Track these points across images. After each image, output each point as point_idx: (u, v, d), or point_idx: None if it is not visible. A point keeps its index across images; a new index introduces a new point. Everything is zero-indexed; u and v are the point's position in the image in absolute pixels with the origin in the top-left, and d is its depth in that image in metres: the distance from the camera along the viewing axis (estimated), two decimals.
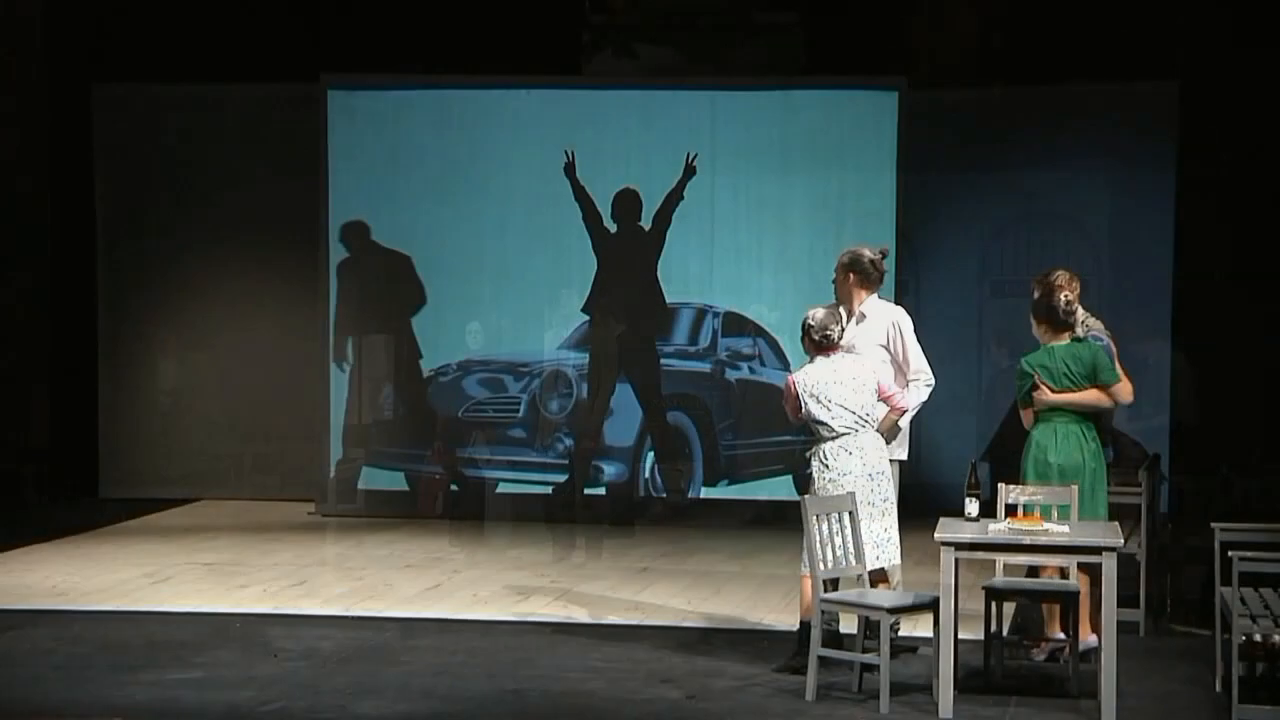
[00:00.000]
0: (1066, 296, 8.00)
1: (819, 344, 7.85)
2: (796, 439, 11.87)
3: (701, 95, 12.16)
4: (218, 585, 9.69)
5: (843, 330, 7.91)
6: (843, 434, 7.77)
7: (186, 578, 9.95)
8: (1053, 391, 7.91)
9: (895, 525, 7.83)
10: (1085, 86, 12.07)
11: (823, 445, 7.80)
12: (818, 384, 7.79)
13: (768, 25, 12.45)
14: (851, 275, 8.14)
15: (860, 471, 7.73)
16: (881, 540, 7.74)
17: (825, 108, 12.03)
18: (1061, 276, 8.38)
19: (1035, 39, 12.06)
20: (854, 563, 7.53)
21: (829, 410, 7.77)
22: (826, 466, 7.77)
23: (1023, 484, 7.84)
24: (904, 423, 8.08)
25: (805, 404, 7.79)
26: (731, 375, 12.16)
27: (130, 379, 12.73)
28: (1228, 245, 9.01)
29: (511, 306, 12.34)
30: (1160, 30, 11.02)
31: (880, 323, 8.11)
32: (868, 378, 7.83)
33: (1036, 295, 8.17)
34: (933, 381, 8.16)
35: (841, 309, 8.19)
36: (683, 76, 12.41)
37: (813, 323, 7.85)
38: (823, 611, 7.43)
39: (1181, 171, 9.47)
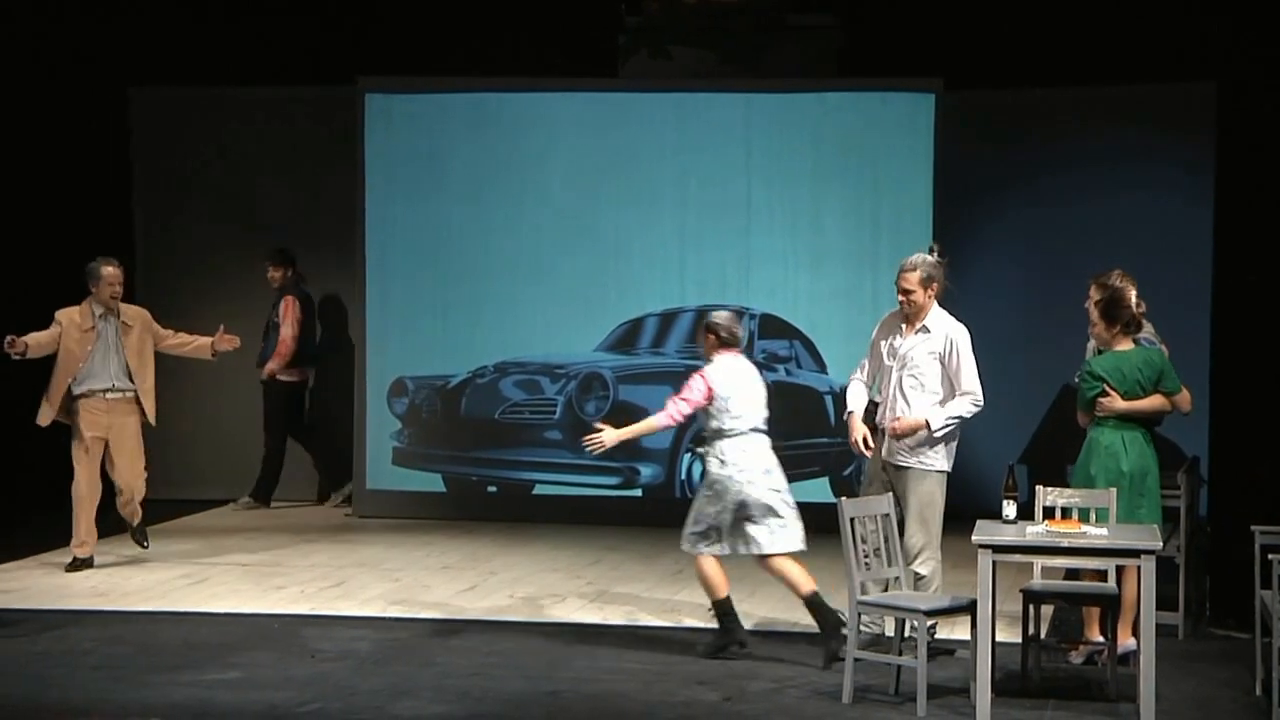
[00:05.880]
0: (1135, 298, 7.93)
1: (725, 342, 8.17)
2: (833, 442, 11.86)
3: (737, 98, 12.14)
4: (255, 586, 9.75)
5: (746, 331, 8.07)
6: (744, 432, 8.04)
7: (224, 579, 10.01)
8: (1121, 399, 7.87)
9: (794, 513, 8.08)
10: (1123, 87, 12.01)
11: (720, 442, 8.04)
12: (731, 382, 8.07)
13: (803, 27, 12.43)
14: (935, 285, 8.13)
15: (758, 467, 8.01)
16: (776, 527, 8.00)
17: (861, 110, 11.99)
18: (1126, 277, 8.31)
19: (1072, 40, 11.99)
20: (889, 565, 7.54)
21: (740, 407, 8.04)
22: (724, 463, 8.00)
23: (1087, 488, 7.80)
24: (936, 423, 8.04)
25: (723, 399, 8.02)
26: (768, 378, 12.07)
27: (168, 380, 12.75)
28: (1267, 246, 8.95)
29: (547, 308, 12.35)
30: (1198, 30, 10.96)
31: (939, 341, 8.10)
32: (761, 380, 8.25)
33: (1099, 297, 8.06)
34: (981, 403, 8.13)
35: (902, 322, 8.16)
36: (718, 79, 12.39)
37: (720, 321, 8.20)
38: (862, 614, 7.46)
39: (1220, 172, 9.42)
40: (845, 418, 8.38)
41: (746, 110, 12.12)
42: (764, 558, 8.05)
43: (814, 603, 8.00)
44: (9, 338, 9.64)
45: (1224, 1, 9.32)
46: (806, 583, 8.03)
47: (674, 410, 8.13)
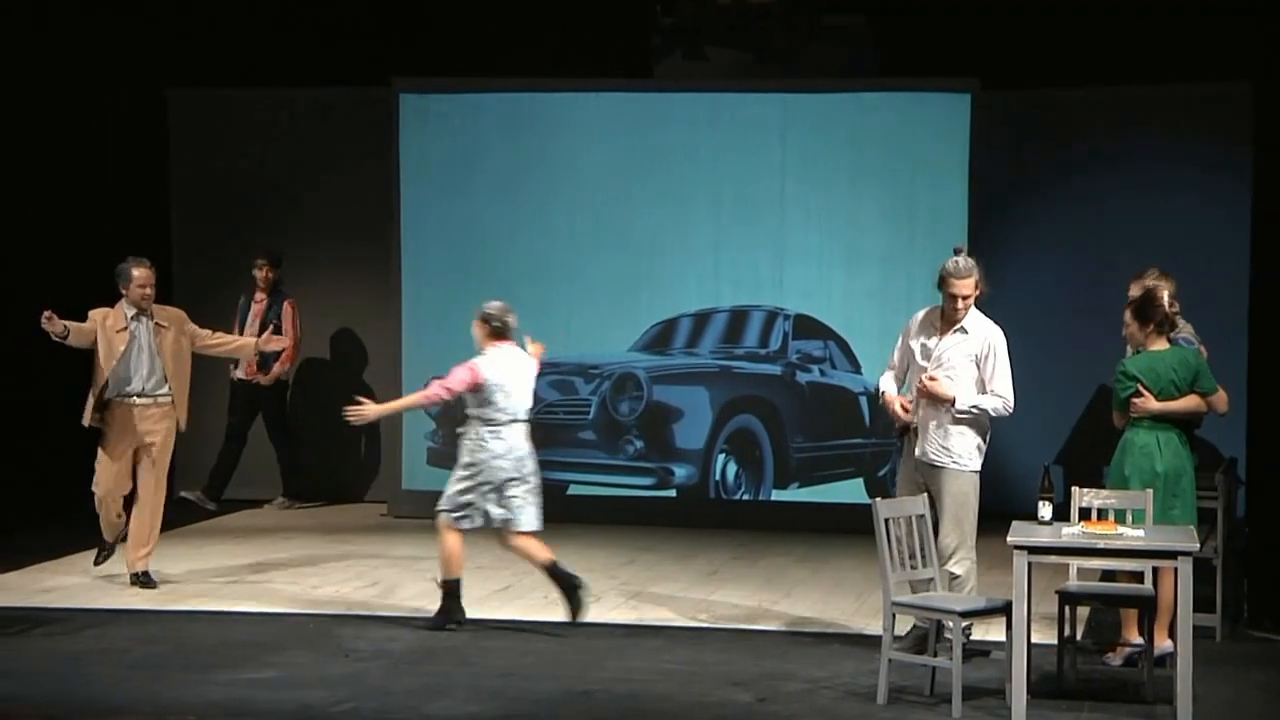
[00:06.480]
0: (1169, 298, 7.91)
1: (497, 332, 8.60)
2: (868, 442, 11.85)
3: (772, 98, 12.13)
4: (291, 586, 9.79)
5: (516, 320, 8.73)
6: (505, 422, 8.50)
7: (260, 578, 10.06)
8: (1156, 399, 7.85)
9: (538, 498, 8.69)
10: (1159, 87, 11.98)
11: (481, 428, 8.51)
12: (499, 373, 8.50)
13: (838, 28, 12.43)
14: (980, 288, 8.13)
15: (512, 455, 8.56)
16: (518, 507, 8.60)
17: (897, 110, 11.97)
18: (1163, 276, 8.27)
19: (1108, 40, 11.94)
20: (924, 566, 7.54)
21: (508, 397, 8.49)
22: (484, 448, 8.53)
23: (1121, 489, 7.78)
24: (962, 403, 8.03)
25: (491, 390, 8.44)
26: (802, 378, 12.15)
27: (205, 380, 12.81)
28: None
29: (581, 308, 12.37)
30: (1235, 30, 10.91)
31: (977, 341, 8.10)
32: (532, 371, 8.72)
33: (1137, 295, 8.06)
34: (1011, 408, 8.12)
35: (937, 322, 8.16)
36: (753, 79, 12.39)
37: (492, 311, 8.64)
38: (895, 615, 7.45)
39: (1257, 171, 9.39)
40: (880, 398, 8.37)
41: (782, 110, 12.10)
42: (511, 532, 8.67)
43: (553, 571, 8.64)
44: (47, 313, 9.24)
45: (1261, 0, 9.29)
46: (545, 553, 8.65)
47: (434, 392, 8.63)
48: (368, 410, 8.75)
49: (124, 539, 9.70)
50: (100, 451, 9.60)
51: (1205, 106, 11.88)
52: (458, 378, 8.55)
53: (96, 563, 9.88)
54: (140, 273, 9.58)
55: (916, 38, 12.31)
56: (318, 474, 13.23)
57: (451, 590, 8.66)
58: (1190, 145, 11.91)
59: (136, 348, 9.53)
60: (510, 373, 8.61)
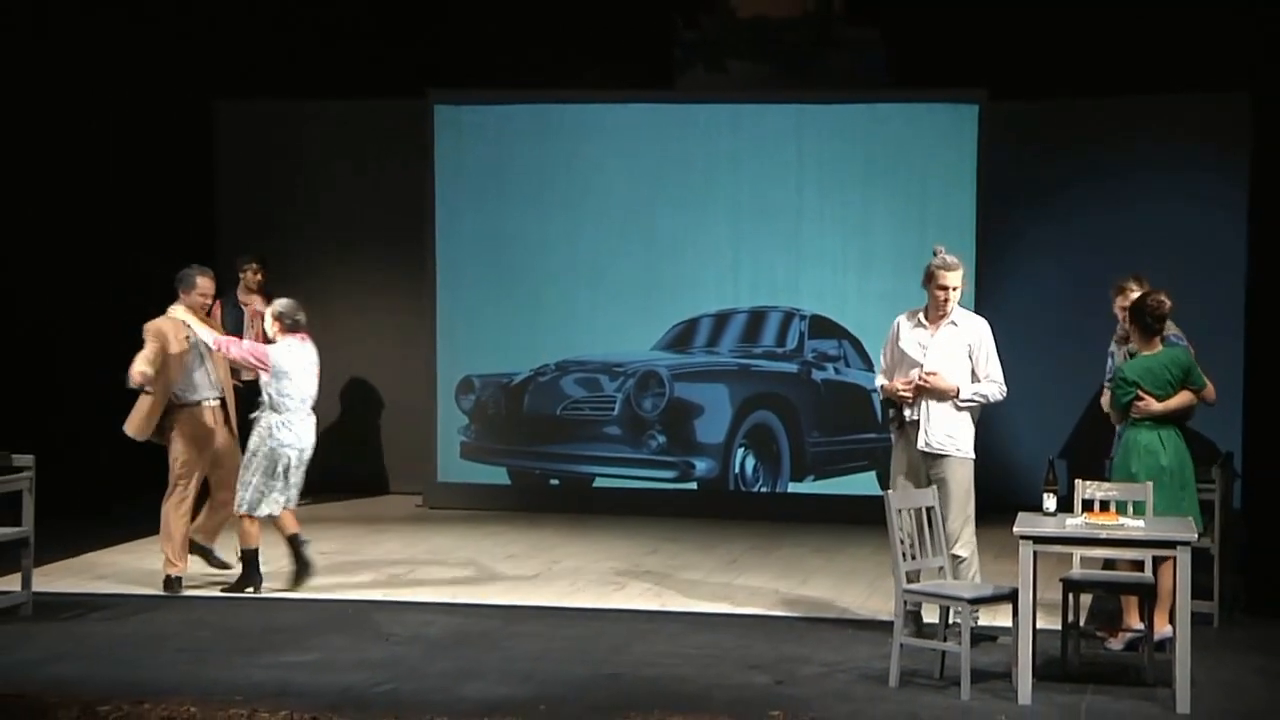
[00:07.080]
0: (1159, 299, 8.12)
1: (290, 327, 9.17)
2: (880, 437, 12.06)
3: (789, 109, 12.29)
4: (332, 573, 9.90)
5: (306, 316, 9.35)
6: (293, 410, 9.18)
7: None
8: (1156, 400, 8.09)
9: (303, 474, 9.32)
10: (1161, 97, 12.04)
11: (275, 416, 9.07)
12: (288, 361, 9.09)
13: (852, 40, 12.60)
14: (963, 281, 8.46)
15: (296, 444, 9.17)
16: (294, 485, 9.28)
17: (908, 120, 12.12)
18: (1143, 280, 8.53)
19: (1111, 52, 12.02)
20: (933, 555, 7.74)
21: (294, 384, 9.07)
22: (271, 435, 9.14)
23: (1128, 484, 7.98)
24: (965, 393, 8.33)
25: (279, 375, 9.05)
26: (818, 376, 12.36)
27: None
28: None
29: (606, 309, 12.54)
30: (1233, 41, 11.07)
31: (971, 331, 8.41)
32: (316, 361, 9.29)
33: (1123, 302, 8.34)
34: (1006, 391, 8.44)
35: (923, 319, 8.47)
36: (771, 91, 12.57)
37: (283, 309, 9.22)
38: (906, 602, 7.65)
39: (1254, 179, 9.61)
40: (880, 391, 8.64)
41: (798, 120, 12.26)
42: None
43: (294, 541, 9.37)
44: (139, 375, 9.20)
45: (1259, 13, 9.46)
46: (295, 525, 9.37)
47: (231, 345, 9.27)
48: (193, 325, 9.35)
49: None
50: (181, 459, 9.45)
51: (1201, 116, 11.97)
52: (250, 348, 9.30)
53: (174, 590, 9.45)
54: (204, 281, 9.53)
55: (922, 49, 12.38)
56: (356, 467, 13.42)
57: (253, 559, 9.31)
58: (1187, 153, 11.99)
59: (197, 354, 9.46)
60: (298, 362, 9.21)
